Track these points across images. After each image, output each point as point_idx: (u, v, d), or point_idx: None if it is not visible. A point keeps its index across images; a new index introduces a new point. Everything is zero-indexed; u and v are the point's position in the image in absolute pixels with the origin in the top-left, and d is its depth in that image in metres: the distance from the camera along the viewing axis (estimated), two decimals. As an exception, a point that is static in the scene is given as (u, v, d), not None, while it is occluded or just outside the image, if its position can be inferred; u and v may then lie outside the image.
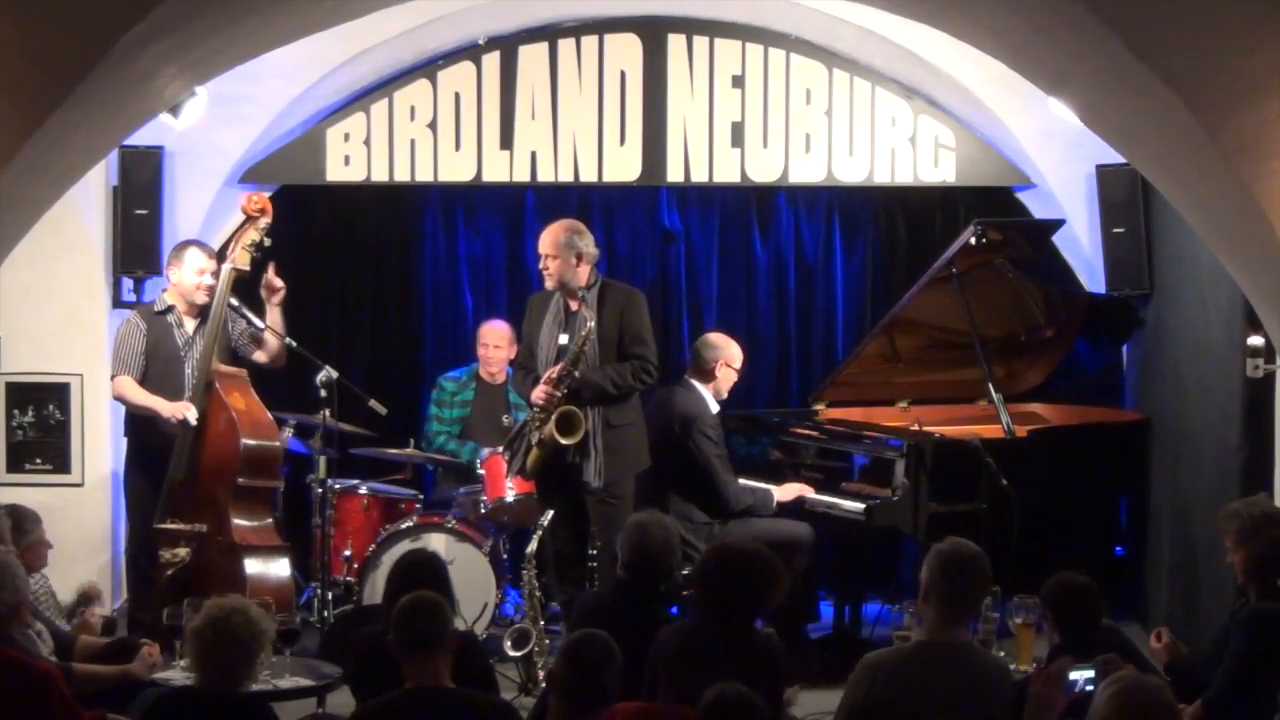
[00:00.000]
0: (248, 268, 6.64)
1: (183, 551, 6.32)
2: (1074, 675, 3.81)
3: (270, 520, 6.55)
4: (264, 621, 4.18)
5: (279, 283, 6.75)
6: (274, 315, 6.77)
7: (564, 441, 6.32)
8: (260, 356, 6.80)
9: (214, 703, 4.07)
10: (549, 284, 6.48)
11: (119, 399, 6.69)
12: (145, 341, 6.62)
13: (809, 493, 6.87)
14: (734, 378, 6.95)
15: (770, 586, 4.46)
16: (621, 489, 6.43)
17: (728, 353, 6.98)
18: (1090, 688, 3.68)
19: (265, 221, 6.66)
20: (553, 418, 6.30)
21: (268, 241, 6.68)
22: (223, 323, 6.58)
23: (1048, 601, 4.57)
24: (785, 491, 6.86)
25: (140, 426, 6.63)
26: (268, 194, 7.07)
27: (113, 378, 6.69)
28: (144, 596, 6.53)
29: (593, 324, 6.33)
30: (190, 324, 6.69)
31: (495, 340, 7.66)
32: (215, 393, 6.48)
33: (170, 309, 6.69)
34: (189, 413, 6.41)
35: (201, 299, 6.64)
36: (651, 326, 6.65)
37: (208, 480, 6.44)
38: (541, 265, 6.50)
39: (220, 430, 6.45)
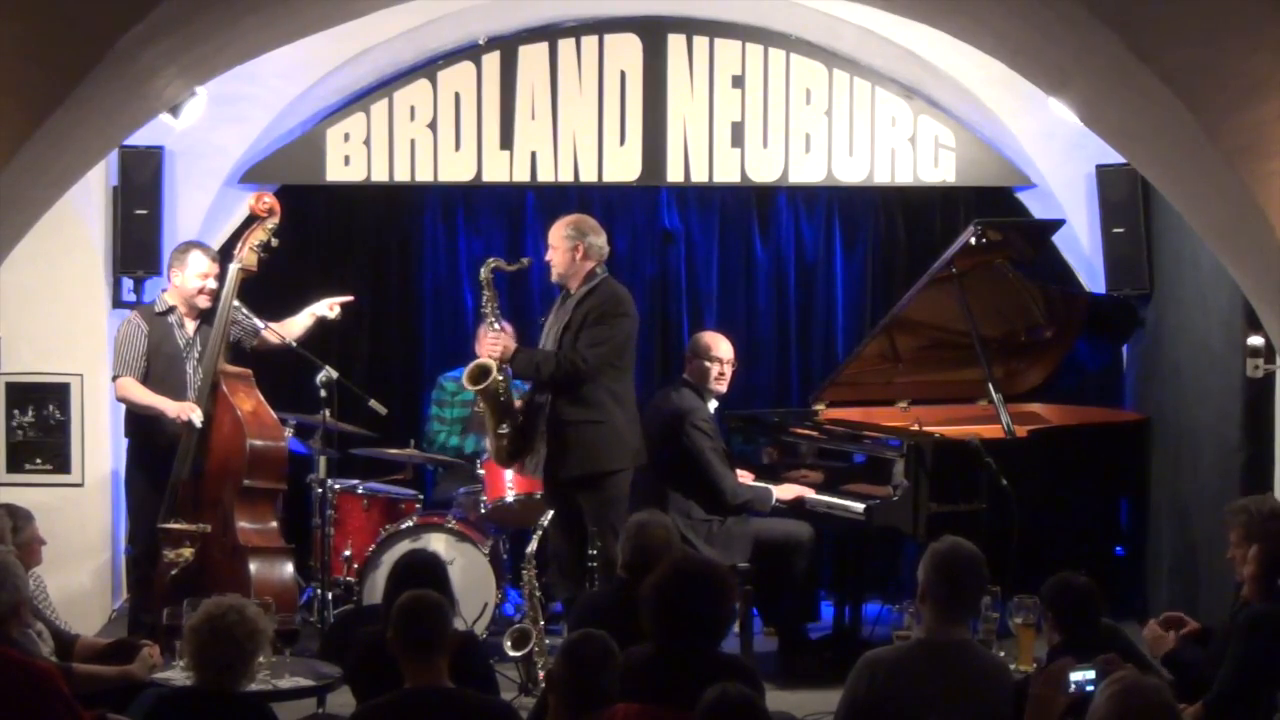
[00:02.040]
0: (255, 268, 6.65)
1: (187, 552, 6.32)
2: (1074, 676, 3.80)
3: (274, 523, 6.55)
4: (261, 621, 4.17)
5: (333, 314, 6.84)
6: (306, 320, 6.84)
7: (470, 387, 6.37)
8: (268, 337, 6.80)
9: (214, 703, 4.06)
10: (552, 274, 6.49)
11: (123, 400, 6.68)
12: (147, 342, 6.61)
13: (809, 494, 6.87)
14: (711, 368, 6.88)
15: (732, 601, 4.26)
16: (611, 488, 6.30)
17: (694, 346, 6.97)
18: (1090, 688, 3.68)
19: (273, 222, 6.67)
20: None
21: (275, 242, 6.68)
22: (228, 323, 6.59)
23: (1048, 601, 4.57)
24: (785, 491, 6.86)
25: (142, 427, 6.63)
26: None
27: (115, 378, 6.68)
28: (145, 597, 6.53)
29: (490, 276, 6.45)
30: (191, 325, 6.69)
31: (493, 337, 7.64)
32: (221, 393, 6.48)
33: (171, 310, 6.68)
34: (194, 415, 6.41)
35: (203, 304, 6.64)
36: (623, 334, 6.35)
37: (213, 481, 6.44)
38: (546, 256, 6.51)
39: (226, 431, 6.45)
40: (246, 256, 6.63)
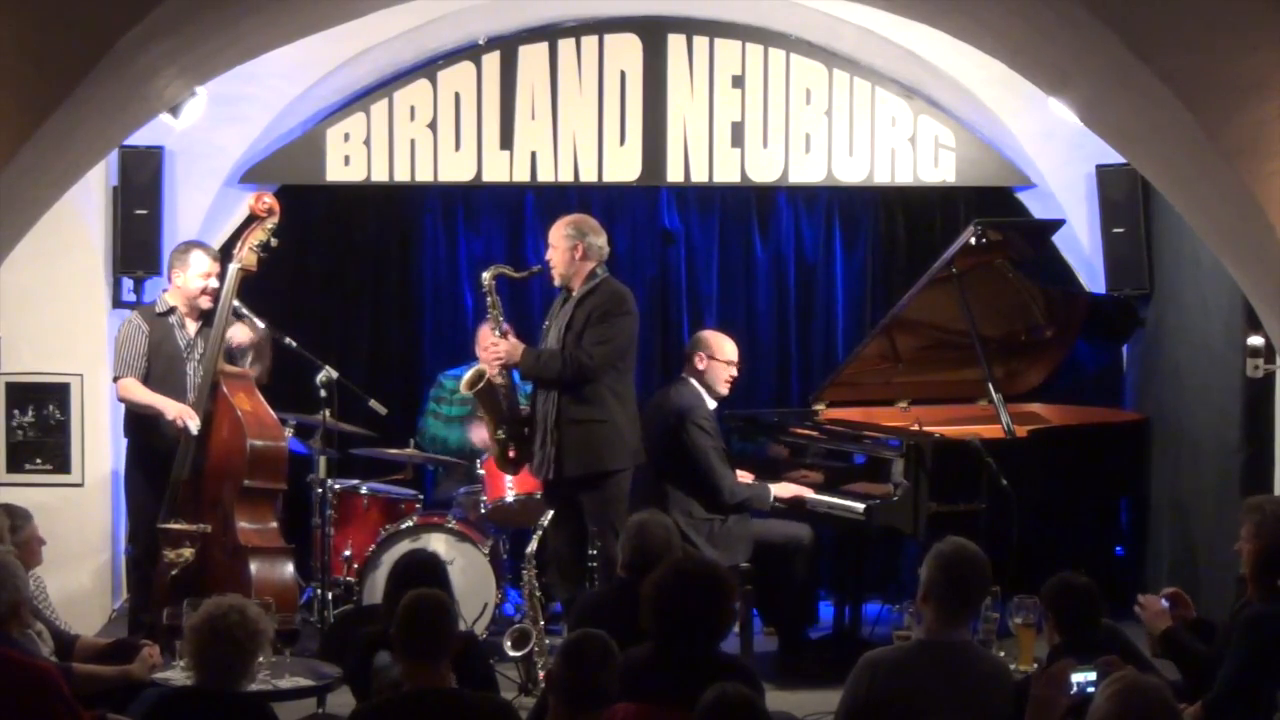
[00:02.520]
0: (255, 268, 6.64)
1: (187, 552, 6.31)
2: (1075, 677, 3.80)
3: (274, 523, 6.54)
4: (261, 621, 4.17)
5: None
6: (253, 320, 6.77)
7: (464, 392, 6.42)
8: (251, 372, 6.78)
9: (214, 703, 4.06)
10: (554, 276, 6.49)
11: (124, 400, 6.66)
12: (147, 343, 6.61)
13: (808, 493, 6.86)
14: (724, 371, 6.88)
15: (732, 601, 4.24)
16: (611, 488, 6.32)
17: (708, 345, 6.95)
18: (1091, 689, 3.67)
19: (273, 222, 6.65)
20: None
21: (274, 242, 6.67)
22: (228, 323, 6.58)
23: (1048, 601, 4.57)
24: (783, 489, 6.85)
25: (142, 427, 6.62)
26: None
27: (116, 379, 6.68)
28: (145, 597, 6.52)
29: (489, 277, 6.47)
30: (192, 326, 6.68)
31: (493, 341, 7.63)
32: (221, 393, 6.47)
33: (172, 310, 6.67)
34: (191, 422, 6.39)
35: (205, 304, 6.63)
36: (626, 332, 6.36)
37: (213, 481, 6.43)
38: (546, 256, 6.51)
39: (226, 431, 6.43)
40: (246, 256, 6.62)
